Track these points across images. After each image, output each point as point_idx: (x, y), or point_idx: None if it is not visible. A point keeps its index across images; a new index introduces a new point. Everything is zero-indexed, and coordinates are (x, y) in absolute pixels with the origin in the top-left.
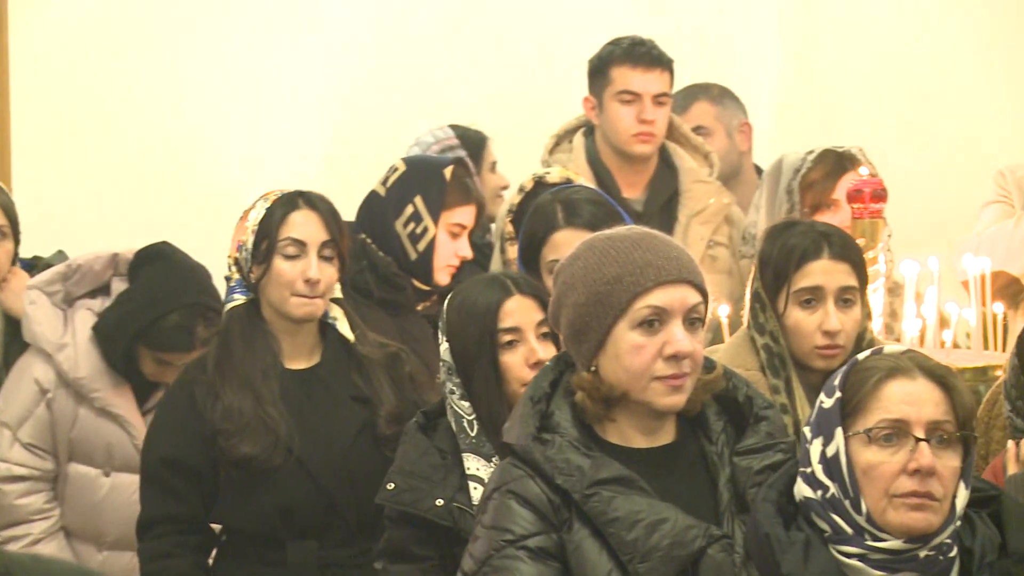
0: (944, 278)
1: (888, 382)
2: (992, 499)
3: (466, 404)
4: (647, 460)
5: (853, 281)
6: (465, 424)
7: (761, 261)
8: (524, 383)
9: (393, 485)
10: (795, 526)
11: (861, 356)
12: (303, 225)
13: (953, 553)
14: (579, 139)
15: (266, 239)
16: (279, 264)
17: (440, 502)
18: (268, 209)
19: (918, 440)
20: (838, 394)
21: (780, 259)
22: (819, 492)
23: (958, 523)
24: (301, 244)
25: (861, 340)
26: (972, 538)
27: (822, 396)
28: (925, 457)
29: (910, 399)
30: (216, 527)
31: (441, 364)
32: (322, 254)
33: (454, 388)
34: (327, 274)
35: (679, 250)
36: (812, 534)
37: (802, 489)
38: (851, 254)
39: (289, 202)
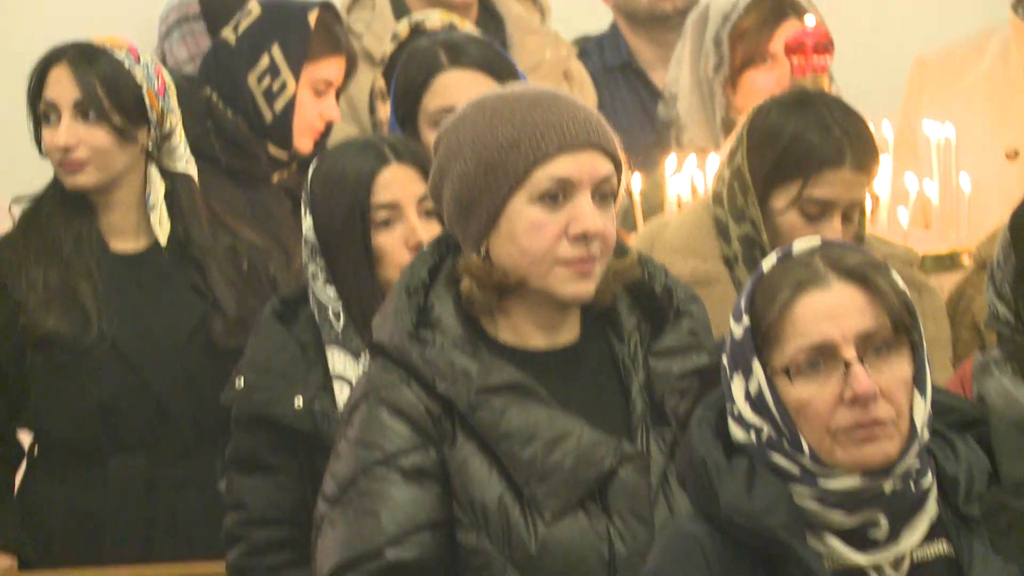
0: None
1: (798, 299)
2: (977, 421)
3: (331, 291)
4: (546, 363)
5: (863, 193)
6: (330, 315)
7: (758, 140)
8: (402, 268)
9: (243, 382)
10: (737, 451)
11: (766, 264)
12: (54, 84)
13: (928, 482)
14: None
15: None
16: (43, 132)
17: (299, 403)
18: (35, 66)
19: (849, 363)
20: (746, 320)
21: (793, 156)
22: (752, 433)
23: (926, 437)
24: (53, 106)
25: None
26: (956, 465)
27: (731, 321)
28: (860, 382)
29: (828, 314)
30: (26, 443)
31: (303, 244)
32: (80, 114)
33: (317, 272)
34: (90, 137)
35: (587, 111)
36: (758, 462)
37: (734, 431)
38: (872, 163)
39: (53, 56)
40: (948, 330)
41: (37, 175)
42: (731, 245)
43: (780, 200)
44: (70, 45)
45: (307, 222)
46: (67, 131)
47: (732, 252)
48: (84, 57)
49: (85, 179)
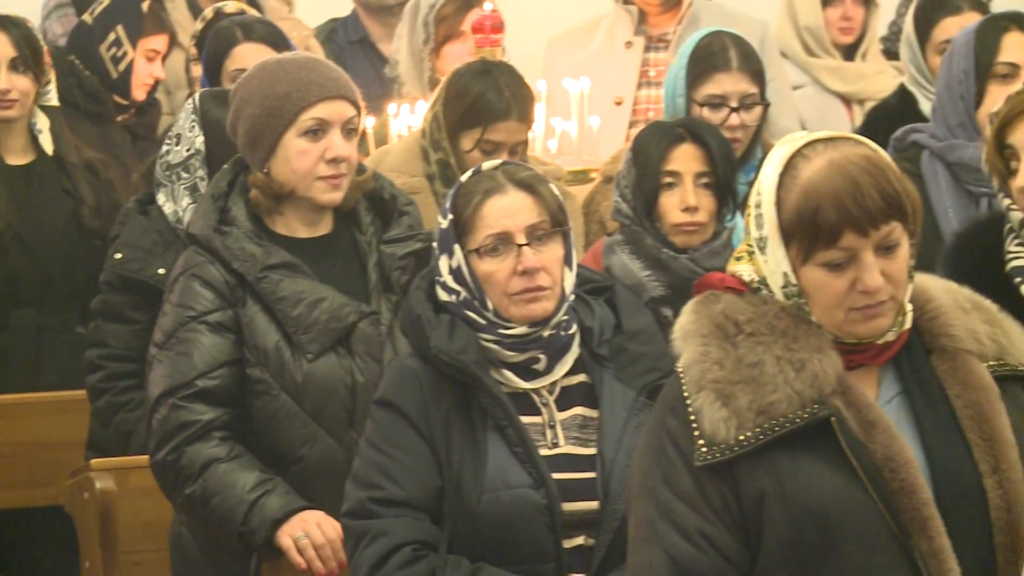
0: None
1: (486, 201)
2: (607, 288)
3: None
4: (309, 248)
5: (525, 136)
6: None
7: (452, 96)
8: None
9: (121, 255)
10: (442, 309)
11: (463, 177)
12: None
13: (573, 330)
14: None
15: None
16: None
17: (162, 271)
18: None
19: (520, 246)
20: (450, 216)
21: (475, 111)
22: (453, 296)
23: (572, 298)
24: None
25: None
26: (592, 319)
27: (439, 217)
28: (527, 259)
29: (507, 212)
30: None
31: (190, 153)
32: (12, 67)
33: (204, 176)
34: (18, 84)
35: (338, 71)
36: (456, 316)
37: (441, 295)
38: (530, 115)
39: None
40: (582, 225)
41: None
42: (431, 166)
43: (467, 142)
44: (2, 16)
45: (199, 139)
46: (5, 79)
47: (431, 171)
48: (13, 25)
49: (14, 113)
